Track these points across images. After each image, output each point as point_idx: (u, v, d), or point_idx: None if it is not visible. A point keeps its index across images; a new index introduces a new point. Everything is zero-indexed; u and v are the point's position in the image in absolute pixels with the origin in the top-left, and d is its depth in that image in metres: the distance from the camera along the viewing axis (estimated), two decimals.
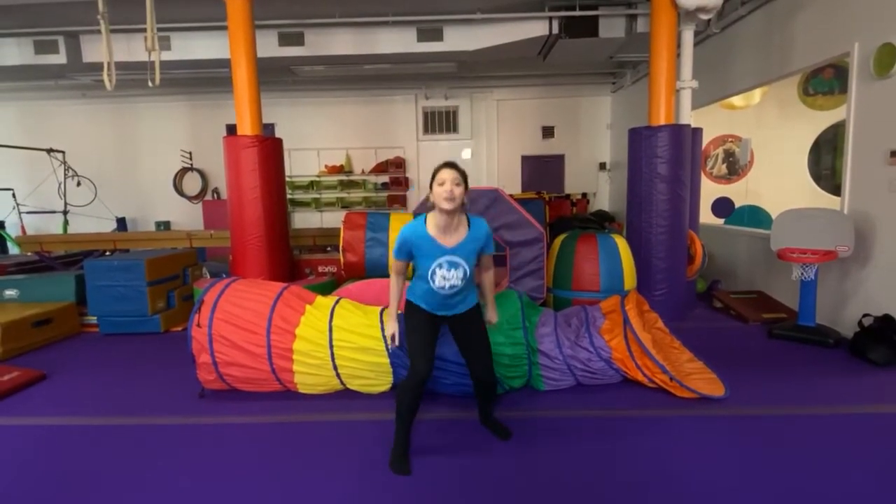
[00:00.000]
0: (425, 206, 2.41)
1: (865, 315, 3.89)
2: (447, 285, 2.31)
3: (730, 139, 7.33)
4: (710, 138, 7.23)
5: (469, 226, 2.34)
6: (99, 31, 5.01)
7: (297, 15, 6.56)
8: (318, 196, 10.43)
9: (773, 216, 4.82)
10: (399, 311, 2.52)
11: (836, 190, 5.72)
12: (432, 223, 2.29)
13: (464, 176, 2.26)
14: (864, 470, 2.31)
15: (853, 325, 4.01)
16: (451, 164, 2.26)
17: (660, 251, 4.78)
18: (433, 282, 2.30)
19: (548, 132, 10.61)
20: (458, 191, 2.20)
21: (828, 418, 2.83)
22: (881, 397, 3.10)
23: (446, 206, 2.19)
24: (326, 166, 10.27)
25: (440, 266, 2.28)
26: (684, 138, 4.75)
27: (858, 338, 3.79)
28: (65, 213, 9.37)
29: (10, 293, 5.02)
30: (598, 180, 10.76)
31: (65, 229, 9.36)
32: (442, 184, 2.20)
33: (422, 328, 2.44)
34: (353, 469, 2.41)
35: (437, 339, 2.50)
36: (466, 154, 10.56)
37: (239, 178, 5.02)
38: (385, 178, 10.31)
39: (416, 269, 2.40)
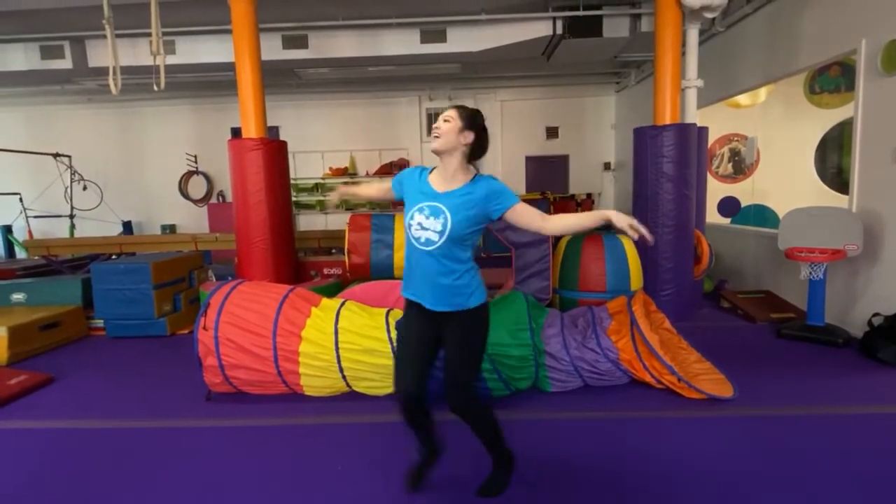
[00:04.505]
0: None
1: (875, 314, 3.85)
2: (423, 237, 1.92)
3: (735, 138, 7.29)
4: (716, 137, 7.19)
5: (472, 181, 1.98)
6: (104, 36, 5.03)
7: (301, 18, 6.58)
8: (322, 198, 10.45)
9: (780, 215, 4.78)
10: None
11: (843, 188, 5.67)
12: (435, 170, 2.05)
13: (464, 114, 1.96)
14: (874, 470, 2.28)
15: (863, 324, 3.97)
16: (454, 105, 2.04)
17: (666, 251, 4.75)
18: (410, 229, 1.96)
19: (552, 132, 10.60)
20: (446, 126, 1.92)
21: (838, 419, 2.80)
22: (892, 397, 3.07)
23: (432, 144, 1.96)
24: (331, 168, 10.29)
25: (421, 210, 1.95)
26: (690, 137, 4.72)
27: (868, 337, 3.76)
28: (71, 217, 9.43)
29: (18, 297, 5.04)
30: (602, 180, 10.73)
31: (71, 233, 9.42)
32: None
33: (410, 331, 2.08)
34: (359, 471, 2.40)
35: (431, 350, 2.07)
36: None
37: (244, 181, 5.03)
38: (389, 180, 10.32)
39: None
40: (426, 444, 2.21)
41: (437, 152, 1.95)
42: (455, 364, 2.03)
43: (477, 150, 1.98)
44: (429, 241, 1.92)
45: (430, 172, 2.05)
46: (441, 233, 1.90)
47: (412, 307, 2.06)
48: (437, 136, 1.93)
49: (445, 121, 1.93)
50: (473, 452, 2.55)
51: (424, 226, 1.92)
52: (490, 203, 1.94)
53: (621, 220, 1.88)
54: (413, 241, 1.96)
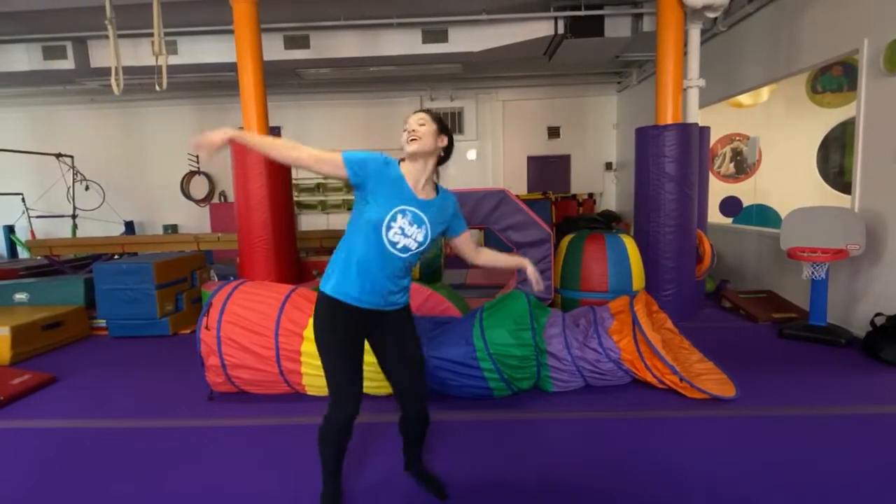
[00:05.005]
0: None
1: (878, 314, 3.84)
2: (401, 244, 1.81)
3: (737, 137, 7.28)
4: (718, 137, 7.19)
5: (438, 193, 1.95)
6: (107, 37, 5.05)
7: (303, 18, 6.58)
8: (324, 198, 10.47)
9: (782, 215, 4.78)
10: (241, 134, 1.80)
11: (845, 188, 5.66)
12: (402, 169, 1.89)
13: (437, 120, 1.88)
14: (878, 471, 2.28)
15: (865, 324, 3.96)
16: (419, 109, 1.93)
17: (668, 251, 4.75)
18: (386, 233, 1.79)
19: (553, 132, 10.60)
20: (424, 129, 1.83)
21: (840, 419, 2.79)
22: (894, 397, 3.06)
23: (410, 146, 1.82)
24: None
25: (403, 213, 1.80)
26: (692, 137, 4.72)
27: (871, 337, 3.75)
28: (73, 217, 9.44)
29: (20, 297, 5.05)
30: (604, 180, 10.73)
31: (74, 233, 9.44)
32: (406, 129, 1.86)
33: (348, 340, 1.87)
34: (360, 470, 2.40)
35: (362, 360, 1.96)
36: (472, 155, 10.57)
37: (246, 181, 5.04)
38: None
39: (355, 230, 1.84)
40: (337, 481, 2.07)
41: (414, 155, 1.84)
42: (418, 364, 2.02)
43: (448, 155, 1.94)
44: (406, 249, 1.83)
45: (399, 166, 1.89)
46: (421, 244, 1.85)
47: (347, 312, 1.86)
48: (414, 139, 1.82)
49: (421, 124, 1.84)
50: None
51: (406, 232, 1.81)
52: (454, 220, 2.00)
53: (531, 272, 2.08)
54: (387, 244, 1.80)
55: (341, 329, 1.86)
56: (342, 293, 1.85)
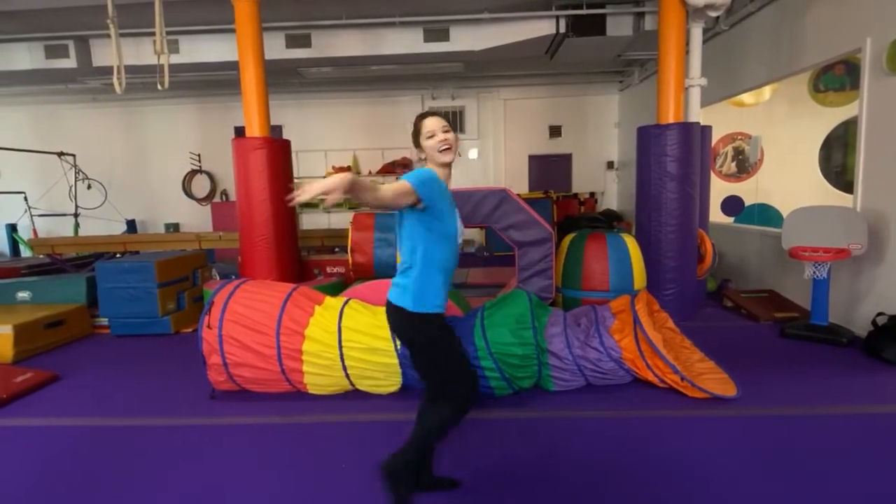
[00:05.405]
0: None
1: (879, 314, 3.83)
2: (461, 241, 2.05)
3: (739, 137, 7.27)
4: (720, 136, 7.17)
5: None
6: (108, 36, 5.05)
7: (304, 17, 6.59)
8: (325, 197, 10.47)
9: (784, 214, 4.77)
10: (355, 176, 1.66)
11: (847, 187, 5.66)
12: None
13: (451, 123, 2.03)
14: (878, 471, 2.27)
15: (867, 323, 3.95)
16: (431, 113, 1.99)
17: (669, 250, 4.74)
18: (458, 238, 1.99)
19: (555, 131, 10.59)
20: (451, 137, 1.95)
21: (841, 418, 2.79)
22: (895, 397, 3.06)
23: (447, 157, 1.93)
24: (334, 167, 10.30)
25: (458, 215, 2.01)
26: (693, 136, 4.71)
27: (872, 337, 3.74)
28: (76, 215, 9.46)
29: (23, 295, 5.07)
30: (605, 179, 10.72)
31: (76, 232, 9.45)
32: (432, 135, 1.92)
33: (457, 341, 2.05)
34: (363, 469, 2.40)
35: None
36: (473, 154, 10.56)
37: (247, 180, 5.05)
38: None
39: (430, 244, 1.89)
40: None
41: (449, 163, 1.98)
42: None
43: None
44: (461, 244, 2.05)
45: None
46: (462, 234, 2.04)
47: (444, 320, 2.02)
48: (448, 149, 1.93)
49: (447, 131, 1.95)
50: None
51: (462, 230, 2.02)
52: None
53: None
54: (456, 247, 1.99)
55: (454, 338, 2.02)
56: (440, 306, 1.96)
